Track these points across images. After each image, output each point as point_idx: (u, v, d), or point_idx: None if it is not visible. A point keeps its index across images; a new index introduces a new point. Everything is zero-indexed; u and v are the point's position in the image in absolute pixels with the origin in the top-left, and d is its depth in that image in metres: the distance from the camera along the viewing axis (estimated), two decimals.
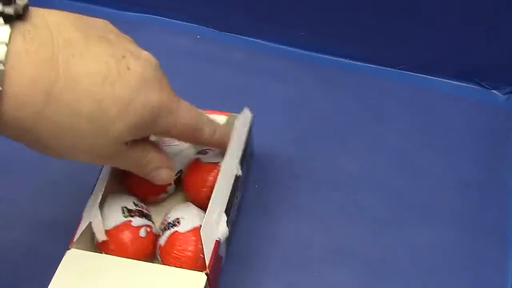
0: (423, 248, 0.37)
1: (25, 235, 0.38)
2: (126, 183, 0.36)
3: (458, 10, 0.43)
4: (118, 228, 0.33)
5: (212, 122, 0.34)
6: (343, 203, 0.40)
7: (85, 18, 0.28)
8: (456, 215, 0.39)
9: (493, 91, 0.47)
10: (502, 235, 0.38)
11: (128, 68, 0.27)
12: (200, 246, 0.31)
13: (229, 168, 0.35)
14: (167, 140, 0.38)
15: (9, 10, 0.23)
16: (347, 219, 0.39)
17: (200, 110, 0.33)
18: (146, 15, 0.55)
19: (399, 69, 0.49)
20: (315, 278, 0.36)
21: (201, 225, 0.32)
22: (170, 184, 0.36)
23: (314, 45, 0.50)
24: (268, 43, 0.51)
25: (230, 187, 0.34)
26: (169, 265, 0.32)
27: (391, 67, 0.49)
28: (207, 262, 0.30)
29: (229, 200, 0.33)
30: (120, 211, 0.33)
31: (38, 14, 0.25)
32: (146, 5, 0.55)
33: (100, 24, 0.29)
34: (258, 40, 0.52)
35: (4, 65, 0.23)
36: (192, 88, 0.49)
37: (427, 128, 0.44)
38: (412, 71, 0.48)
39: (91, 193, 0.34)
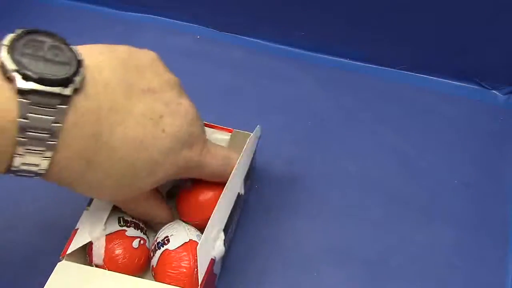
0: (423, 248, 0.37)
1: (25, 235, 0.38)
2: None
3: (458, 10, 0.43)
4: (111, 235, 0.32)
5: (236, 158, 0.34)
6: (343, 203, 0.40)
7: (132, 62, 0.29)
8: (456, 215, 0.39)
9: (493, 91, 0.47)
10: (502, 235, 0.38)
11: (163, 131, 0.28)
12: (193, 261, 0.31)
13: (234, 187, 0.34)
14: None
15: (67, 91, 0.24)
16: (346, 219, 0.39)
17: (229, 152, 0.34)
18: (146, 15, 0.55)
19: (399, 69, 0.49)
20: (315, 278, 0.36)
21: (190, 240, 0.32)
22: None
23: (314, 45, 0.50)
24: (268, 43, 0.51)
25: (231, 206, 0.34)
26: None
27: (391, 67, 0.49)
28: (199, 280, 0.30)
29: (228, 218, 0.33)
30: (117, 220, 0.33)
31: (91, 76, 0.26)
32: (146, 5, 0.55)
33: (147, 66, 0.29)
34: (258, 40, 0.52)
35: (57, 140, 0.25)
36: (192, 88, 0.49)
37: (427, 128, 0.44)
38: (412, 71, 0.48)
39: (88, 204, 0.33)
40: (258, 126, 0.37)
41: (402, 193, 0.40)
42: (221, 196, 0.32)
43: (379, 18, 0.46)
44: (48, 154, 0.25)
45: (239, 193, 0.34)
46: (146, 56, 0.30)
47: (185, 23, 0.54)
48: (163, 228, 0.34)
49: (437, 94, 0.47)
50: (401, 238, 0.38)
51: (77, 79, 0.25)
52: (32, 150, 0.24)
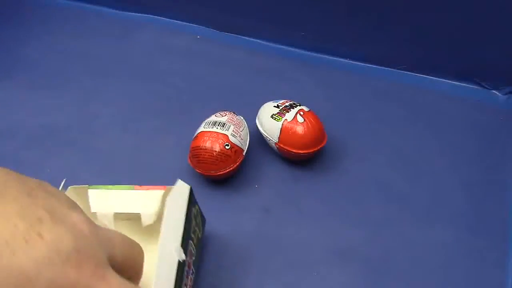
0: (423, 248, 0.37)
1: None
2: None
3: (458, 10, 0.43)
4: None
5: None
6: (343, 203, 0.40)
7: (14, 175, 0.25)
8: (456, 215, 0.39)
9: (493, 91, 0.47)
10: (502, 235, 0.38)
11: (40, 235, 0.23)
12: None
13: (166, 255, 0.29)
14: None
15: None
16: (347, 219, 0.39)
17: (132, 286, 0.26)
18: (146, 15, 0.55)
19: (399, 69, 0.49)
20: (315, 278, 0.36)
21: None
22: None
23: (314, 45, 0.50)
24: (268, 43, 0.51)
25: (173, 277, 0.29)
26: None
27: (391, 67, 0.49)
28: None
29: None
30: None
31: None
32: (146, 5, 0.55)
33: (33, 182, 0.25)
34: (258, 40, 0.52)
35: None
36: (192, 88, 0.49)
37: (427, 128, 0.44)
38: (412, 71, 0.48)
39: None
40: (179, 180, 0.32)
41: (402, 193, 0.40)
42: (155, 271, 0.28)
43: (379, 18, 0.46)
44: None
45: (179, 260, 0.30)
46: (34, 180, 0.26)
47: (185, 23, 0.54)
48: None
49: (437, 94, 0.47)
50: (401, 238, 0.38)
51: None
52: None
